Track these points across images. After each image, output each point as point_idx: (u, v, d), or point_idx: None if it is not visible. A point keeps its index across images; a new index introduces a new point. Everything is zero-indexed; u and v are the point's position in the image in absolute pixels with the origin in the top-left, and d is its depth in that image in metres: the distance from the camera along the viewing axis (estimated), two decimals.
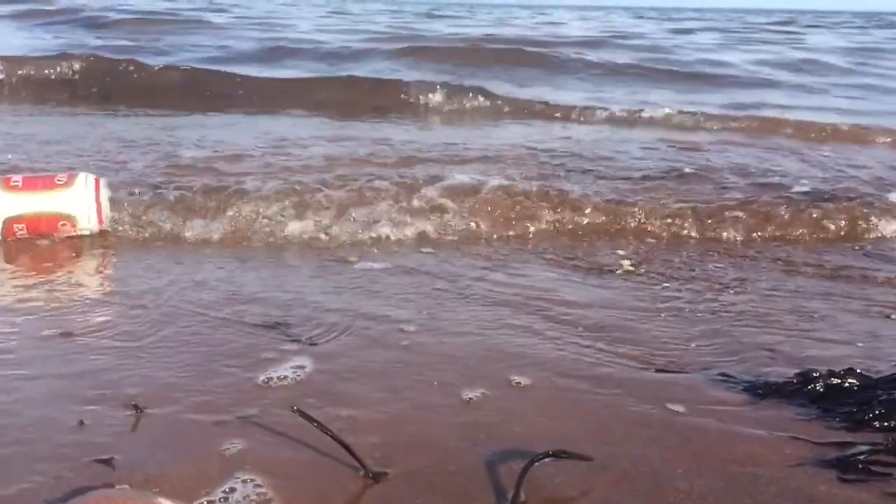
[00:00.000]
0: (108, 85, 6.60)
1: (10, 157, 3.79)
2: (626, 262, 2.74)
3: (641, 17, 28.97)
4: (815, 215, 3.24)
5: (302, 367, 1.84)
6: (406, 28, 15.07)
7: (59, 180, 2.71)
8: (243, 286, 2.39)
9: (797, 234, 3.16)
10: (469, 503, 1.38)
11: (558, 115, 6.23)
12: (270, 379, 1.78)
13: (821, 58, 11.65)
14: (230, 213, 2.93)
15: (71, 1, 14.96)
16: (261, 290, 2.36)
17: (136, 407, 1.61)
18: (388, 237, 2.91)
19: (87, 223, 2.72)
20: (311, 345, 1.97)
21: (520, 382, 1.81)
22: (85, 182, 2.72)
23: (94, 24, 11.89)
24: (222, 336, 2.01)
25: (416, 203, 3.08)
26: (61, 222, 2.68)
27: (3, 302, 2.22)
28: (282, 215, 2.95)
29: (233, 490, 1.37)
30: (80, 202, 2.69)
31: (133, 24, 11.83)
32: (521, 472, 1.38)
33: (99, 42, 9.45)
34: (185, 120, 5.56)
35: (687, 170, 4.08)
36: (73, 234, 2.72)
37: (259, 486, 1.39)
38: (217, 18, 14.20)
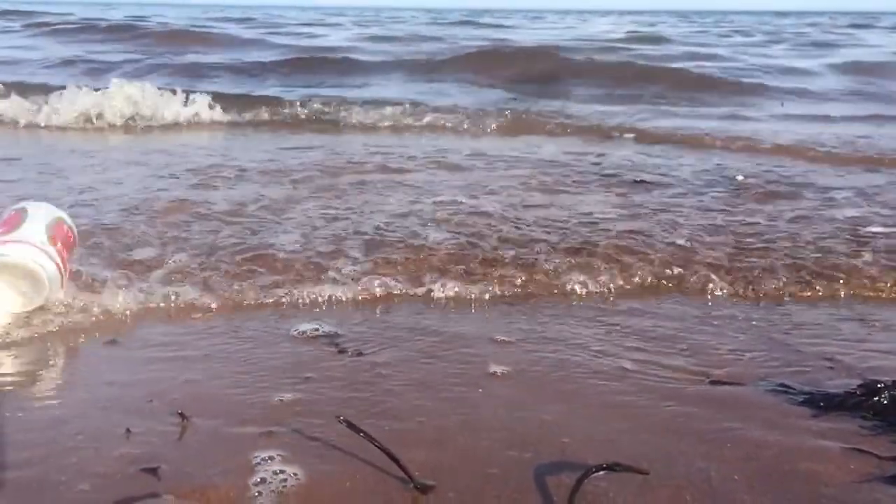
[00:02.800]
0: None
1: None
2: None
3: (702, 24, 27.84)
4: None
5: (347, 379, 1.82)
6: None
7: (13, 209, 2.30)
8: (293, 298, 2.38)
9: None
10: None
11: None
12: (317, 389, 1.76)
13: None
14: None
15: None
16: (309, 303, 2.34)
17: (182, 416, 1.60)
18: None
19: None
20: (358, 355, 1.95)
21: (570, 394, 1.77)
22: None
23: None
24: (270, 348, 1.99)
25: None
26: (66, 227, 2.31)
27: (50, 311, 2.24)
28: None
29: (279, 502, 1.35)
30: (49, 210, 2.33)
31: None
32: (574, 485, 1.33)
33: None
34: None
35: None
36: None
37: (305, 499, 1.37)
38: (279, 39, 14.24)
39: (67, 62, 9.63)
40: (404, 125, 6.10)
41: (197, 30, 15.13)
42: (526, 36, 16.38)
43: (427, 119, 6.18)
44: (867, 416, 1.67)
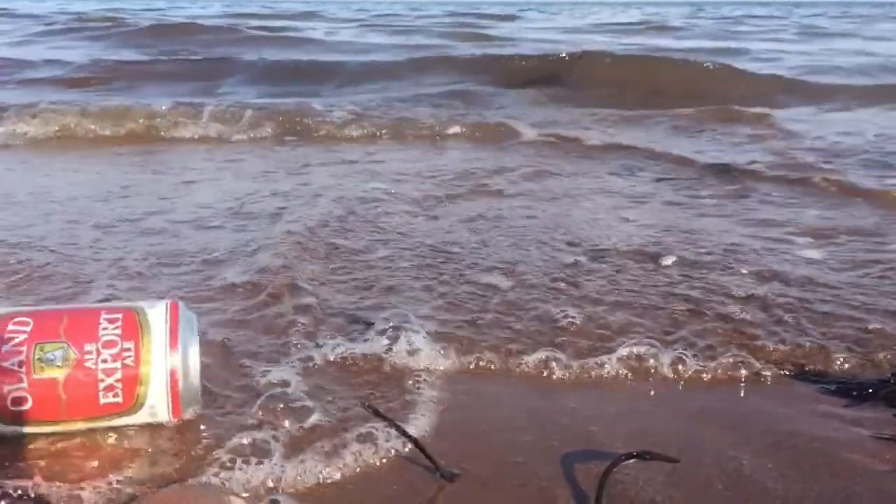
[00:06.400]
0: None
1: None
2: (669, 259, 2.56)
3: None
4: None
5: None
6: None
7: None
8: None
9: None
10: None
11: None
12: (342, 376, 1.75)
13: None
14: None
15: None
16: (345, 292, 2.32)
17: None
18: None
19: None
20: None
21: (597, 381, 1.75)
22: None
23: None
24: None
25: None
26: None
27: None
28: None
29: (303, 489, 1.34)
30: None
31: None
32: (604, 473, 1.31)
33: None
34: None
35: None
36: None
37: (329, 487, 1.35)
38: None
39: None
40: None
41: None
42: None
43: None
44: None
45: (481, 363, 1.82)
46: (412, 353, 1.81)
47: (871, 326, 2.01)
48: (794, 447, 1.49)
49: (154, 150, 4.64)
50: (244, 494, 1.29)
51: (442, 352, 1.83)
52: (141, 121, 5.00)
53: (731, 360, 1.81)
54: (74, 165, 4.19)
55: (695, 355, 1.83)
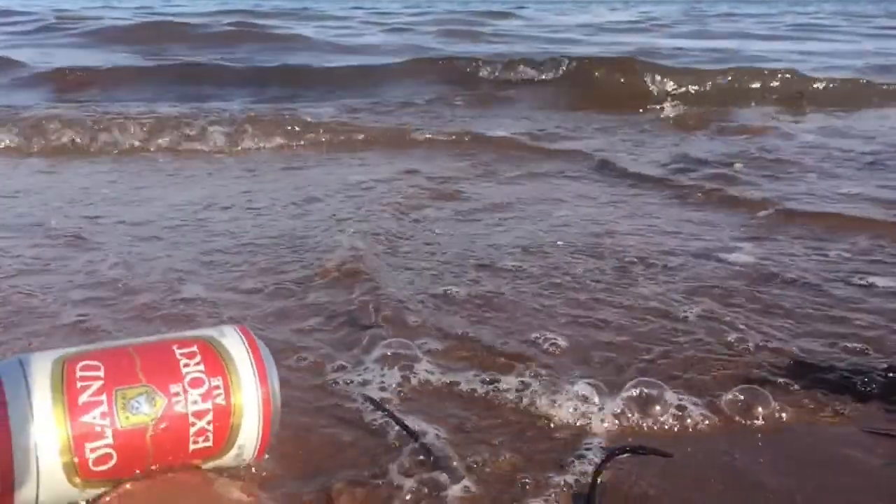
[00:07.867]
0: None
1: None
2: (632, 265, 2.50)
3: None
4: None
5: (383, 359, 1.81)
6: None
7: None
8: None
9: None
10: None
11: None
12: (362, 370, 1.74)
13: None
14: None
15: None
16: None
17: None
18: None
19: None
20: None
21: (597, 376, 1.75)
22: None
23: None
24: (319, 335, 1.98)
25: None
26: None
27: None
28: None
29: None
30: None
31: None
32: (597, 467, 1.31)
33: None
34: None
35: None
36: None
37: None
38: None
39: None
40: None
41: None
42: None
43: None
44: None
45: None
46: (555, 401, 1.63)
47: (859, 322, 2.04)
48: (788, 441, 1.50)
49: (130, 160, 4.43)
50: None
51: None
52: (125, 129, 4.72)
53: (724, 361, 1.83)
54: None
55: (685, 363, 1.85)
